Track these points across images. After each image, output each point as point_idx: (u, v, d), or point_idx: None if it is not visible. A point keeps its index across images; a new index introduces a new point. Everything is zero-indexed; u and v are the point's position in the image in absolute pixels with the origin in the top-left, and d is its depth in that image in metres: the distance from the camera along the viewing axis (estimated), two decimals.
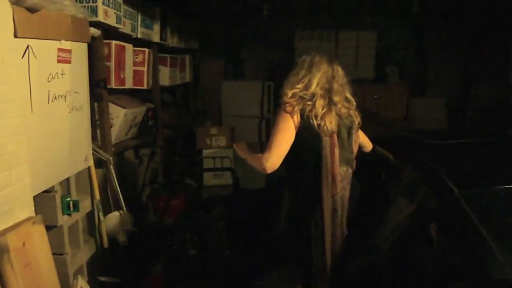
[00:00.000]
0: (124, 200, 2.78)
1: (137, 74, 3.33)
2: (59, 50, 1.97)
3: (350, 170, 2.16)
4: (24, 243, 1.59)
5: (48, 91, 1.91)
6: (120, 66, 2.99)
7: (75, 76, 2.14)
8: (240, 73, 5.50)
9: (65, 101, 2.06)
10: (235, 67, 5.51)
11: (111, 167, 2.73)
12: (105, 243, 2.61)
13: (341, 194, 2.11)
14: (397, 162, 2.38)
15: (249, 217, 3.64)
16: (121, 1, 2.84)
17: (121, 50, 2.99)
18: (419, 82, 5.37)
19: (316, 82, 2.09)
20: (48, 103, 1.91)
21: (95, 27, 2.49)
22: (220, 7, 4.69)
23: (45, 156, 1.91)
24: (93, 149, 2.52)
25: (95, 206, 2.57)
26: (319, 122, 2.05)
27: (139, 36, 3.30)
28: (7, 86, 1.58)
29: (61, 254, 2.21)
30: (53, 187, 2.10)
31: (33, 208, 1.73)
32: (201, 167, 4.21)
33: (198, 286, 2.95)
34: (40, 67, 1.82)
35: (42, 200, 1.99)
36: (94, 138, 2.63)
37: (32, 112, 1.77)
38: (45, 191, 2.00)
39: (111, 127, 2.88)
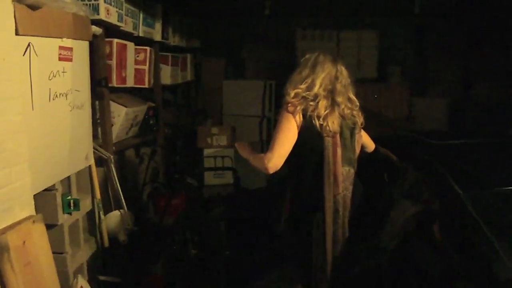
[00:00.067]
0: (124, 199, 2.77)
1: (138, 73, 3.33)
2: (61, 48, 1.96)
3: (352, 171, 2.15)
4: (24, 242, 1.59)
5: (49, 89, 1.90)
6: (122, 64, 2.98)
7: (76, 74, 2.13)
8: (241, 72, 5.50)
9: (66, 99, 2.05)
10: (236, 66, 5.50)
11: (112, 165, 2.73)
12: (106, 242, 2.60)
13: (343, 195, 2.09)
14: (400, 162, 2.37)
15: (249, 217, 3.63)
16: (123, 0, 2.83)
17: (122, 49, 2.99)
18: (420, 82, 5.37)
19: (319, 82, 2.08)
20: (49, 101, 1.90)
21: (96, 25, 2.49)
22: (222, 7, 4.68)
23: (46, 154, 1.91)
24: (94, 148, 2.51)
25: (95, 205, 2.56)
26: (321, 123, 2.04)
27: (140, 34, 3.30)
28: (8, 84, 1.57)
29: (61, 253, 2.20)
30: (53, 185, 2.09)
31: (33, 206, 1.73)
32: (202, 166, 4.19)
33: (198, 286, 2.94)
34: (41, 65, 1.81)
35: (43, 199, 1.98)
36: (95, 137, 2.63)
37: (33, 110, 1.77)
38: (46, 190, 1.99)
39: (112, 125, 2.88)
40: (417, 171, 2.19)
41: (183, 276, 2.95)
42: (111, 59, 2.84)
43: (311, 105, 2.06)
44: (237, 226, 3.52)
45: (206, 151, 4.23)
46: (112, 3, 2.66)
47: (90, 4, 2.47)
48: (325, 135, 2.04)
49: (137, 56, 3.30)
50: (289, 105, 2.06)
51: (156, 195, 3.62)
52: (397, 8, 4.60)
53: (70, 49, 2.04)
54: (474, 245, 1.74)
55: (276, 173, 2.01)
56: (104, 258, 2.62)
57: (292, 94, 2.09)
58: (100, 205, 2.58)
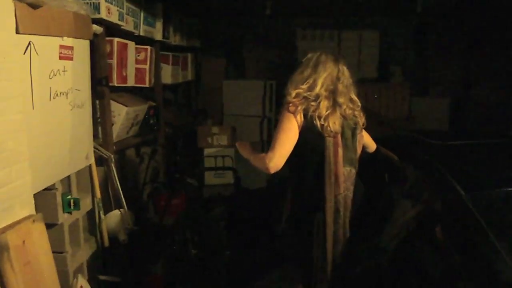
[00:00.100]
0: (124, 198, 2.77)
1: (139, 72, 3.32)
2: (61, 47, 1.95)
3: (353, 171, 2.14)
4: (24, 241, 1.58)
5: (50, 88, 1.89)
6: (122, 63, 2.98)
7: (77, 73, 2.12)
8: (241, 72, 5.49)
9: (66, 98, 2.04)
10: (236, 66, 5.50)
11: (112, 165, 2.72)
12: (106, 242, 2.60)
13: (344, 195, 2.09)
14: (401, 162, 2.36)
15: (250, 216, 3.62)
16: None
17: (123, 48, 2.98)
18: (420, 82, 5.36)
19: (321, 83, 2.07)
20: (50, 100, 1.90)
21: (97, 24, 2.48)
22: (222, 6, 4.68)
23: (46, 153, 1.90)
24: (94, 147, 2.51)
25: (95, 204, 2.55)
26: (322, 123, 2.03)
27: (141, 33, 3.29)
28: (8, 83, 1.56)
29: (61, 253, 2.19)
30: (53, 184, 2.08)
31: (33, 206, 1.72)
32: (202, 166, 4.19)
33: (198, 286, 2.93)
34: (42, 64, 1.81)
35: (43, 198, 1.97)
36: (95, 136, 2.62)
37: (33, 109, 1.76)
38: (46, 189, 1.99)
39: (113, 125, 2.87)
40: (418, 172, 2.19)
41: (183, 276, 2.94)
42: (111, 58, 2.83)
43: (312, 105, 2.05)
44: (237, 226, 3.51)
45: (207, 151, 4.23)
46: (113, 2, 2.66)
47: (91, 3, 2.47)
48: (326, 135, 2.04)
49: (138, 55, 3.29)
50: (290, 105, 2.05)
51: (156, 194, 3.62)
52: (398, 7, 4.60)
53: (71, 48, 2.03)
54: (476, 246, 1.73)
55: (276, 173, 2.01)
56: (104, 258, 2.62)
57: (293, 94, 2.08)
58: (100, 205, 2.57)
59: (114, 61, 2.85)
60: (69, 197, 2.21)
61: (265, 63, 5.34)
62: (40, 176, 1.84)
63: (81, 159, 2.29)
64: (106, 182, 2.77)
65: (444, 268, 1.79)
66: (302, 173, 2.14)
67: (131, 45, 3.12)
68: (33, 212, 1.71)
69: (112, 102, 2.86)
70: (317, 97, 2.06)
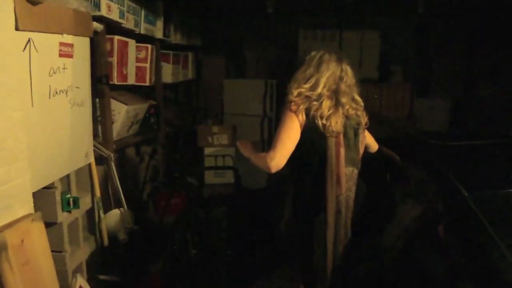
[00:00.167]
0: (124, 197, 2.75)
1: (139, 71, 3.31)
2: (61, 44, 1.93)
3: (356, 171, 2.12)
4: (22, 241, 1.56)
5: (49, 85, 1.87)
6: (123, 62, 2.96)
7: (76, 71, 2.11)
8: (242, 71, 5.48)
9: (66, 96, 2.03)
10: (237, 65, 5.48)
11: (112, 164, 2.71)
12: (105, 241, 2.58)
13: (346, 195, 2.07)
14: (403, 163, 2.35)
15: (250, 216, 3.61)
16: None
17: (123, 46, 2.96)
18: (422, 82, 5.35)
19: (323, 82, 2.05)
20: (49, 98, 1.88)
21: (97, 22, 2.47)
22: (223, 5, 4.67)
23: (46, 151, 1.88)
24: (94, 146, 2.49)
25: (95, 203, 2.54)
26: (324, 122, 2.01)
27: (142, 32, 3.28)
28: (7, 80, 1.54)
29: (60, 252, 2.18)
30: (53, 183, 2.07)
31: (32, 204, 1.70)
32: (202, 165, 4.18)
33: (198, 286, 2.92)
34: (41, 61, 1.79)
35: (42, 197, 1.96)
36: (95, 135, 2.61)
37: (32, 106, 1.74)
38: (45, 188, 1.97)
39: (113, 123, 2.86)
40: (420, 172, 2.17)
41: (183, 276, 2.93)
42: (112, 56, 2.82)
43: (314, 104, 2.03)
44: (237, 225, 3.50)
45: (207, 150, 4.21)
46: (114, 0, 2.64)
47: (91, 0, 2.45)
48: (328, 135, 2.02)
49: (138, 54, 3.28)
50: (292, 104, 2.03)
51: (156, 194, 3.61)
52: (399, 7, 4.59)
53: (71, 45, 2.02)
54: (478, 246, 1.72)
55: (277, 172, 1.99)
56: (104, 257, 2.60)
57: (295, 93, 2.06)
58: (100, 204, 2.56)
59: (115, 59, 2.84)
60: (69, 196, 2.20)
61: (265, 62, 5.33)
62: (40, 174, 1.83)
63: (81, 157, 2.28)
64: (105, 181, 2.76)
65: (447, 268, 1.78)
66: (303, 173, 2.12)
67: (132, 43, 3.11)
68: (32, 211, 1.69)
69: (112, 100, 2.84)
70: (319, 96, 2.04)
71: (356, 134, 2.13)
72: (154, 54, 3.56)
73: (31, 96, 1.73)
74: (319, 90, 2.04)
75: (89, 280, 2.30)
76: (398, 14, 4.99)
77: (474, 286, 1.65)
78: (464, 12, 4.77)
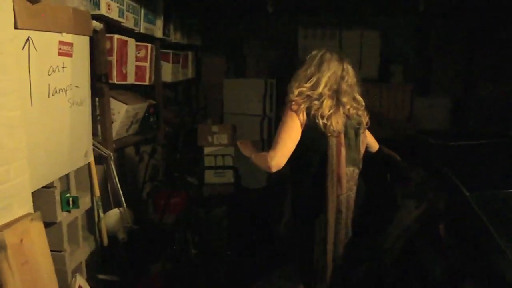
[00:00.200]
0: (124, 197, 2.74)
1: (139, 70, 3.30)
2: (60, 43, 1.93)
3: (356, 171, 2.12)
4: (22, 240, 1.56)
5: (48, 84, 1.87)
6: (122, 61, 2.95)
7: (76, 70, 2.10)
8: (242, 70, 5.47)
9: (65, 95, 2.02)
10: (237, 65, 5.47)
11: (112, 163, 2.70)
12: (105, 241, 2.58)
13: (346, 195, 2.06)
14: (404, 162, 2.34)
15: (250, 216, 3.61)
16: None
17: (123, 45, 2.95)
18: (422, 81, 5.34)
19: (325, 82, 2.04)
20: (48, 96, 1.87)
21: (97, 21, 2.46)
22: (223, 4, 4.65)
23: (45, 151, 1.88)
24: (93, 145, 2.48)
25: (94, 203, 2.53)
26: (325, 122, 2.01)
27: (141, 31, 3.27)
28: (6, 78, 1.54)
29: (60, 251, 2.17)
30: (52, 183, 2.06)
31: (31, 204, 1.70)
32: (202, 164, 4.17)
33: (199, 286, 2.92)
34: (41, 60, 1.78)
35: (41, 196, 1.95)
36: (94, 134, 2.60)
37: (31, 105, 1.74)
38: (44, 187, 1.97)
39: (112, 123, 2.85)
40: (421, 172, 2.17)
41: (183, 276, 2.92)
42: (111, 55, 2.80)
43: (315, 104, 2.03)
44: (237, 225, 3.49)
45: (207, 150, 4.20)
46: None
47: None
48: (329, 134, 2.01)
49: (138, 53, 3.27)
50: (293, 103, 2.03)
51: (156, 193, 3.60)
52: (399, 7, 4.58)
53: (70, 44, 2.01)
54: (480, 246, 1.72)
55: (277, 172, 1.98)
56: (103, 257, 2.60)
57: (296, 93, 2.05)
58: (100, 203, 2.55)
59: (114, 58, 2.82)
60: (68, 195, 2.19)
61: (265, 62, 5.33)
62: (39, 174, 1.82)
63: (80, 157, 2.27)
64: (105, 180, 2.75)
65: (447, 268, 1.78)
66: (304, 173, 2.12)
67: (131, 42, 3.10)
68: (31, 210, 1.69)
69: (111, 99, 2.84)
70: (320, 96, 2.03)
71: (357, 134, 2.12)
72: (154, 53, 3.55)
73: (30, 95, 1.72)
74: (320, 89, 2.03)
75: (88, 280, 2.30)
76: (398, 14, 4.99)
77: (474, 286, 1.65)
78: (464, 12, 4.76)
